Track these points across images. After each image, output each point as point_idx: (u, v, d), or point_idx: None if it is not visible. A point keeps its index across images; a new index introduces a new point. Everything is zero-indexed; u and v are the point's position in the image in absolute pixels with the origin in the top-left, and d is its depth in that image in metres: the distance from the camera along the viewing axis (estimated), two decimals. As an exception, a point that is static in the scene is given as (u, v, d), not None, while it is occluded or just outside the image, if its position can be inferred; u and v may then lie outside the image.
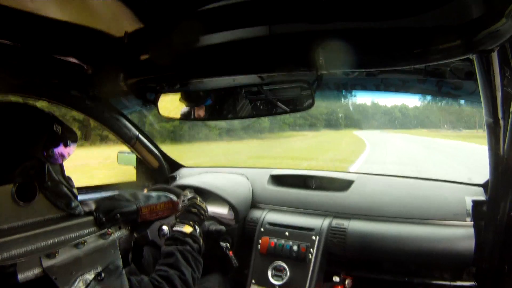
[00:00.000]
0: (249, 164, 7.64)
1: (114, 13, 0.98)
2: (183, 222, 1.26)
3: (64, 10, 0.92)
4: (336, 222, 1.65)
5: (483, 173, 1.48)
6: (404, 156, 13.05)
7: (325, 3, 0.81)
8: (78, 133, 1.18)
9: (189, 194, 1.38)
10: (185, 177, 2.13)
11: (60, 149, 0.98)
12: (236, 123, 10.85)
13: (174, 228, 1.24)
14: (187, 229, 1.23)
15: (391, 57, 0.84)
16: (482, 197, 1.51)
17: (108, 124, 1.70)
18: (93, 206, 1.07)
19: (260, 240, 1.71)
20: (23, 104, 1.05)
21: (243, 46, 1.00)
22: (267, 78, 1.25)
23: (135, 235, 1.34)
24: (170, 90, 1.40)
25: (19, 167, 0.86)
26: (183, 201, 1.34)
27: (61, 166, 1.00)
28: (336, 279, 1.66)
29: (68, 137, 1.00)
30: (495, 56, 0.89)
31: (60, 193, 0.95)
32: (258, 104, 1.28)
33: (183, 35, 1.01)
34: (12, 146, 0.88)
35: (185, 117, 1.41)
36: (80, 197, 1.10)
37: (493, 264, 1.38)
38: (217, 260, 1.71)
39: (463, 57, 0.93)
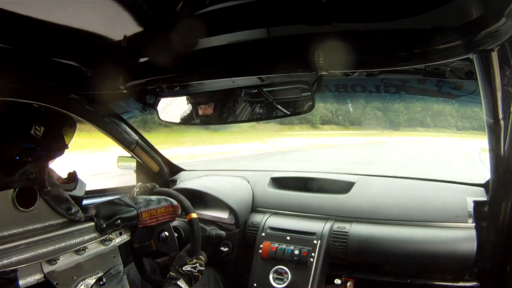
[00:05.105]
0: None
1: (113, 16, 0.98)
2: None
3: (63, 13, 0.92)
4: (337, 225, 1.65)
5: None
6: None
7: (325, 4, 0.81)
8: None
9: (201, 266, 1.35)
10: (185, 181, 2.13)
11: (37, 155, 0.91)
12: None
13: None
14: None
15: (391, 57, 0.84)
16: (483, 198, 1.51)
17: (108, 129, 1.69)
18: (93, 212, 1.06)
19: (261, 245, 1.70)
20: (4, 103, 1.01)
21: (242, 48, 1.00)
22: (267, 80, 1.25)
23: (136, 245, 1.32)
24: (170, 93, 1.39)
25: (19, 171, 0.85)
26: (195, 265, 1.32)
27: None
28: (337, 281, 1.65)
29: (49, 143, 0.94)
30: (495, 56, 0.88)
31: (61, 198, 0.94)
32: (258, 107, 1.28)
33: (181, 38, 1.01)
34: None
35: (185, 121, 1.41)
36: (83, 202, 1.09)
37: (495, 264, 1.38)
38: (217, 265, 1.71)
39: (463, 57, 0.93)
